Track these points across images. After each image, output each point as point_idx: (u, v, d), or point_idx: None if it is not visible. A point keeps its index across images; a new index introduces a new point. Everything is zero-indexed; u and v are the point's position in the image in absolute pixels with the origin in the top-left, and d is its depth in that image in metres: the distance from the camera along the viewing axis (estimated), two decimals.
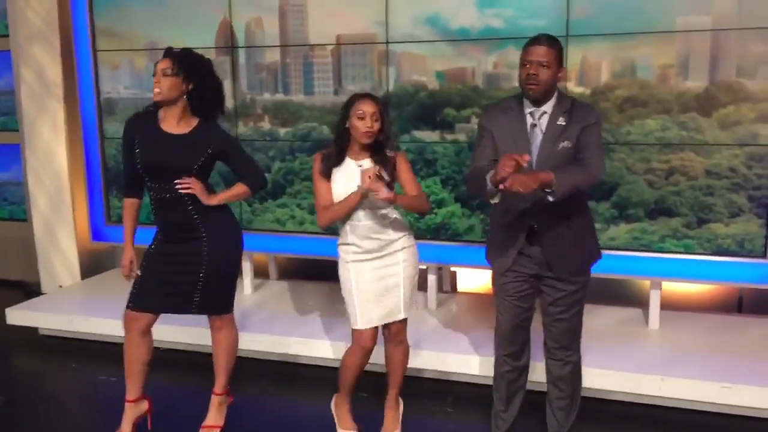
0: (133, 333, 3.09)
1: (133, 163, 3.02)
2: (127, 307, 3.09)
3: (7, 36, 5.35)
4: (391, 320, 3.09)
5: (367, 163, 2.97)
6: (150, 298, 3.07)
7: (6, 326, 4.62)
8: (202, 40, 4.56)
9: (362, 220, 3.01)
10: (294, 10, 4.38)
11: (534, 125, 2.71)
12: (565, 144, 2.66)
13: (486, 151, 2.78)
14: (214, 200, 3.05)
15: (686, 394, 3.39)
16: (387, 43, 4.20)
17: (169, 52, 2.99)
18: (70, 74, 5.06)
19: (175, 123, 3.00)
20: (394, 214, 3.08)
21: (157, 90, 2.93)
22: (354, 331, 3.08)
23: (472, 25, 4.03)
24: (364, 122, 2.90)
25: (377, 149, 2.97)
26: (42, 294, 5.16)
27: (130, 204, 3.13)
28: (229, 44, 4.52)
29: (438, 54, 4.13)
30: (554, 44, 2.68)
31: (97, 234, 5.15)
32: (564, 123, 2.67)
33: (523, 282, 2.85)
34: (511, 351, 2.97)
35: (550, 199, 2.51)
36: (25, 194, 5.47)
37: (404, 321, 3.14)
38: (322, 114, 4.42)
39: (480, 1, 3.98)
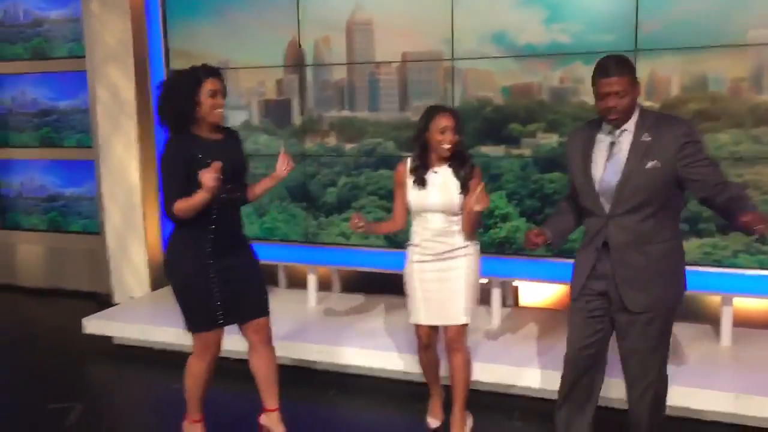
0: (211, 358, 3.14)
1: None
2: (209, 328, 3.08)
3: (83, 57, 5.60)
4: (451, 323, 3.15)
5: (444, 170, 3.10)
6: (228, 312, 3.09)
7: (81, 336, 4.79)
8: (271, 59, 4.72)
9: (436, 223, 3.11)
10: (361, 29, 4.48)
11: (613, 143, 2.67)
12: (654, 164, 2.58)
13: (570, 175, 2.85)
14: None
15: (763, 411, 3.33)
16: (453, 59, 4.26)
17: (216, 71, 3.00)
18: (143, 93, 5.26)
19: (209, 134, 3.02)
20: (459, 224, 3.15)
21: (221, 110, 2.98)
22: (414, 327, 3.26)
23: (538, 40, 4.05)
24: (445, 136, 3.01)
25: (455, 158, 3.09)
26: (114, 305, 5.34)
27: None
28: (297, 63, 4.65)
29: (504, 70, 4.17)
30: (623, 70, 2.58)
31: None
32: (649, 139, 2.60)
33: (594, 300, 2.76)
34: (572, 378, 2.88)
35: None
36: (99, 208, 5.69)
37: (462, 327, 3.16)
38: (387, 130, 4.50)
39: (547, 17, 4.01)
